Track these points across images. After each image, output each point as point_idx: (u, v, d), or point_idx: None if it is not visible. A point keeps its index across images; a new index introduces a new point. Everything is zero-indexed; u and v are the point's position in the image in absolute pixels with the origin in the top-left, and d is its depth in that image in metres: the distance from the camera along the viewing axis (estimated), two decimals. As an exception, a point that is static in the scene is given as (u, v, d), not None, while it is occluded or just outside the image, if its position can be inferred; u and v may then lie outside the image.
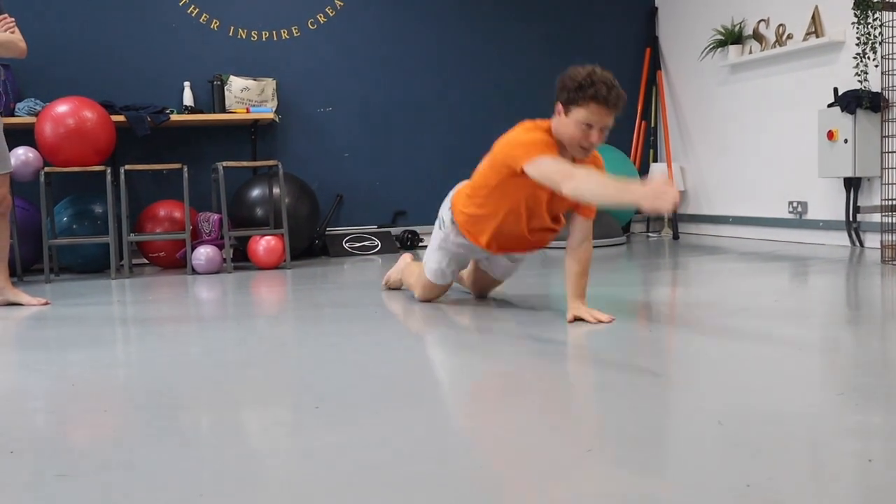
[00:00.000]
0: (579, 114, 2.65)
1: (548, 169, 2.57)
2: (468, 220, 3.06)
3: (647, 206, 2.18)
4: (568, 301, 2.87)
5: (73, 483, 1.42)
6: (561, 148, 2.77)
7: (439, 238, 3.23)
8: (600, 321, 2.75)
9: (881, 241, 4.25)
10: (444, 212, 3.21)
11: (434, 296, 3.38)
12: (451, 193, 3.22)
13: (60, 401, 2.00)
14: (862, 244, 4.92)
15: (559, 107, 2.72)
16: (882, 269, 3.92)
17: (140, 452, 1.57)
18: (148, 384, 2.14)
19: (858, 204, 4.89)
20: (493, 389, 1.97)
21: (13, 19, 3.56)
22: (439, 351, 2.46)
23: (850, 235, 4.94)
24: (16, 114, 5.01)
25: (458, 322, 2.93)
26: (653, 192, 2.16)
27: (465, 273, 3.54)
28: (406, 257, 3.77)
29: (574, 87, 2.65)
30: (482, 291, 3.48)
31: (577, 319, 2.80)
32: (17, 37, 3.53)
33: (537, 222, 3.00)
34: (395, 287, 3.78)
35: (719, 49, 5.95)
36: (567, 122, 2.69)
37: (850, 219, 4.90)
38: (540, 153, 2.63)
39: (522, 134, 2.78)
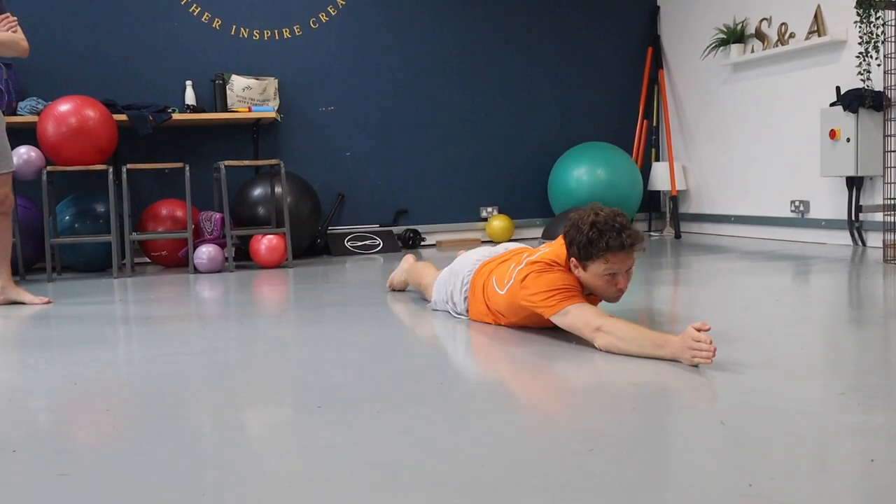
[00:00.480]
0: (598, 268, 2.44)
1: (576, 322, 2.40)
2: (480, 309, 2.87)
3: (685, 361, 2.13)
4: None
5: (75, 482, 1.42)
6: (586, 290, 2.55)
7: (443, 303, 3.08)
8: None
9: (883, 241, 4.25)
10: (458, 296, 2.99)
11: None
12: (468, 282, 2.96)
13: (62, 400, 2.01)
14: (864, 243, 4.92)
15: (574, 262, 2.49)
16: (884, 268, 3.92)
17: (142, 452, 1.57)
18: (150, 383, 2.14)
19: (860, 203, 4.88)
20: (494, 389, 1.97)
21: (15, 18, 3.56)
22: (441, 351, 2.46)
23: (852, 234, 4.94)
24: (18, 113, 5.01)
25: (461, 322, 2.92)
26: (688, 346, 2.10)
27: (426, 281, 3.51)
28: (409, 258, 3.73)
29: (584, 243, 2.42)
30: None
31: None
32: (19, 36, 3.53)
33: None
34: (400, 289, 3.76)
35: (721, 48, 5.94)
36: (588, 276, 2.48)
37: (853, 218, 4.89)
38: (566, 300, 2.43)
39: (544, 277, 2.51)
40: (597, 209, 2.47)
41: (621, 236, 2.39)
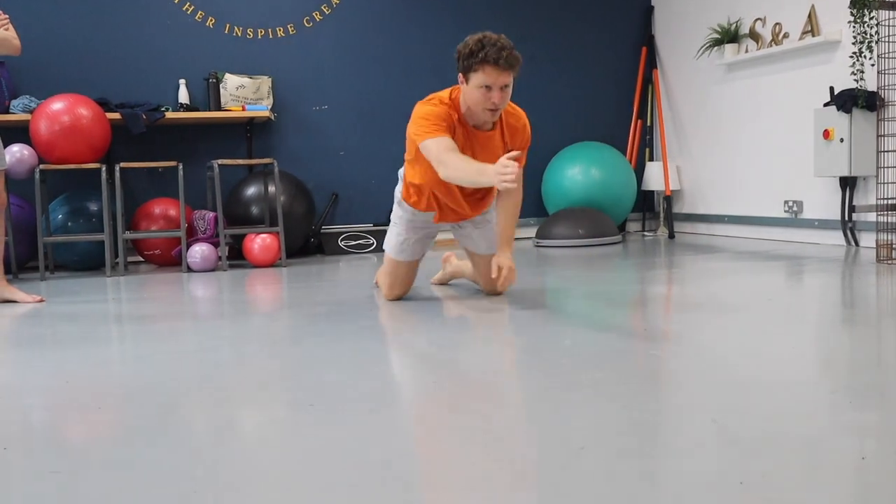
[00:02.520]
0: (477, 78, 2.84)
1: (429, 153, 2.87)
2: (408, 189, 3.22)
3: (496, 182, 2.61)
4: (498, 252, 3.12)
5: (67, 480, 1.42)
6: (469, 115, 2.98)
7: (395, 213, 3.35)
8: (509, 278, 3.05)
9: (876, 241, 4.26)
10: (397, 188, 3.36)
11: (398, 284, 3.35)
12: (402, 170, 3.34)
13: (55, 398, 2.00)
14: (857, 243, 4.93)
15: (460, 77, 2.91)
16: (877, 268, 3.93)
17: (134, 450, 1.57)
18: (142, 382, 2.13)
19: (854, 203, 4.89)
20: (487, 387, 1.97)
21: (7, 17, 3.55)
22: (435, 349, 2.45)
23: (845, 235, 4.95)
24: (10, 111, 5.00)
25: (455, 320, 2.92)
26: (498, 171, 2.59)
27: (471, 269, 3.54)
28: (451, 257, 3.81)
29: (467, 54, 2.83)
30: (490, 287, 3.43)
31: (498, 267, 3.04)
32: (11, 34, 3.52)
33: (467, 189, 3.14)
34: (444, 282, 3.83)
35: (715, 48, 5.95)
36: (468, 89, 2.88)
37: (846, 218, 4.90)
38: (428, 133, 2.87)
39: (420, 108, 2.98)
40: (488, 33, 2.87)
41: (500, 53, 2.78)
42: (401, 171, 3.35)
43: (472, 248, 3.44)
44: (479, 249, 3.40)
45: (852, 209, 4.87)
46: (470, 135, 3.03)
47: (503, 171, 2.58)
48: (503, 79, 2.84)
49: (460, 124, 3.00)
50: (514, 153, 2.66)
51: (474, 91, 2.87)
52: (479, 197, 3.24)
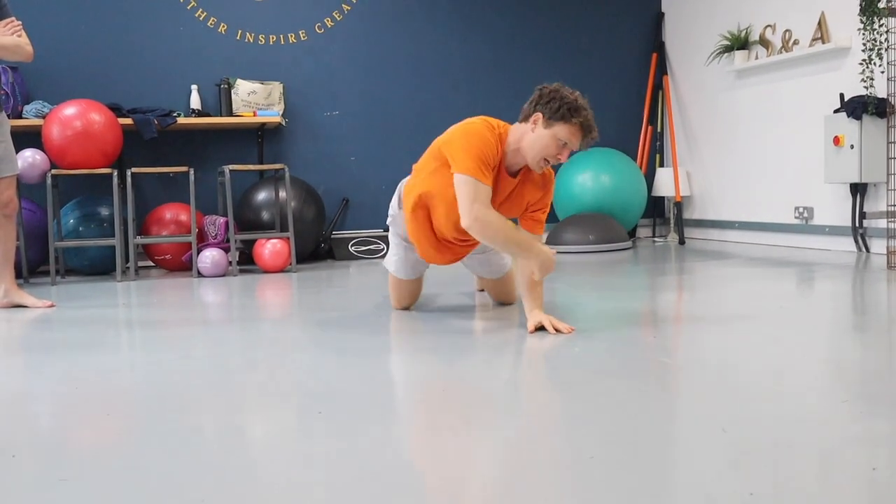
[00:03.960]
0: (562, 131, 2.71)
1: (465, 192, 2.68)
2: (406, 199, 3.03)
3: (536, 269, 2.74)
4: (526, 312, 2.82)
5: (75, 487, 1.43)
6: (512, 155, 2.82)
7: (391, 231, 3.28)
8: (559, 331, 2.69)
9: (887, 247, 4.24)
10: (394, 202, 3.21)
11: (405, 297, 3.32)
12: (400, 186, 3.18)
13: (64, 404, 2.01)
14: (868, 250, 4.91)
15: (539, 117, 2.74)
16: (888, 274, 3.91)
17: (142, 457, 1.58)
18: (151, 388, 2.14)
19: (864, 209, 4.87)
20: (496, 396, 1.97)
21: (20, 23, 3.57)
22: (443, 357, 2.46)
23: (856, 241, 4.93)
24: (24, 116, 5.03)
25: (463, 328, 2.92)
26: (543, 269, 2.75)
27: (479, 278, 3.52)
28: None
29: (567, 105, 2.71)
30: (499, 298, 3.42)
31: (539, 329, 2.74)
32: (24, 40, 3.54)
33: (455, 233, 2.95)
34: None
35: (725, 54, 5.94)
36: (544, 134, 2.73)
37: (857, 224, 4.89)
38: (476, 171, 2.69)
39: (473, 127, 2.78)
40: (583, 99, 2.77)
41: (592, 128, 2.76)
42: (400, 186, 3.19)
43: (476, 273, 3.42)
44: (483, 274, 3.40)
45: (863, 215, 4.85)
46: (500, 175, 2.86)
47: (551, 264, 2.77)
48: (579, 146, 2.79)
49: (499, 161, 2.84)
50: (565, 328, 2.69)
51: (548, 139, 2.72)
52: (458, 248, 3.07)
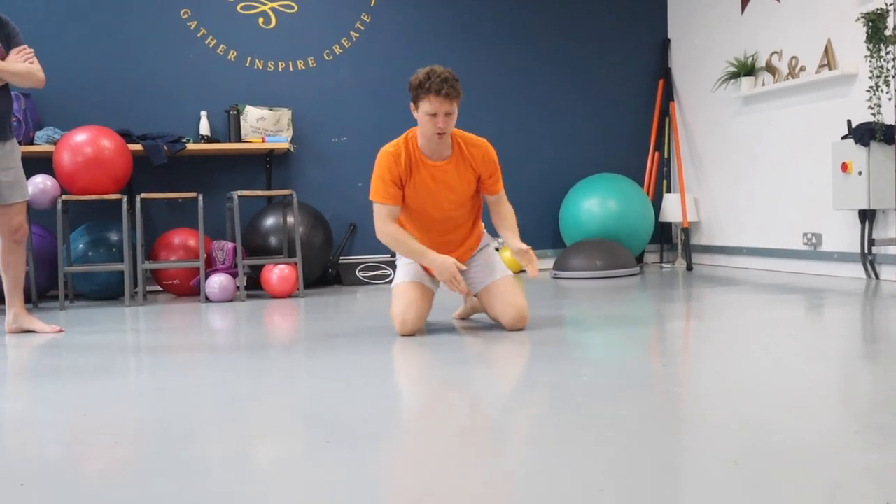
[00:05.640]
0: (424, 106, 3.17)
1: (375, 213, 3.33)
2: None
3: (443, 279, 3.28)
4: (511, 245, 3.34)
5: (84, 516, 1.42)
6: (426, 145, 3.29)
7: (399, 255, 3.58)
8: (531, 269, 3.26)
9: (897, 274, 4.22)
10: None
11: (411, 309, 3.33)
12: None
13: (72, 431, 2.01)
14: (877, 276, 4.89)
15: (412, 106, 3.24)
16: (898, 302, 3.89)
17: (150, 485, 1.57)
18: (159, 415, 2.14)
19: (873, 236, 4.86)
20: (504, 424, 1.96)
21: (32, 50, 3.61)
22: (452, 385, 2.45)
23: (865, 268, 4.91)
24: (35, 142, 5.07)
25: (472, 355, 2.92)
26: (447, 275, 3.26)
27: (488, 309, 3.51)
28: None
29: (416, 85, 3.17)
30: (509, 319, 3.37)
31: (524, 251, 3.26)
32: (35, 67, 3.58)
33: (438, 229, 3.43)
34: (467, 316, 3.83)
35: (732, 81, 5.96)
36: (419, 115, 3.22)
37: (865, 251, 4.87)
38: (378, 195, 3.30)
39: (378, 163, 3.35)
40: (435, 67, 3.19)
41: (443, 85, 3.12)
42: None
43: (485, 283, 3.43)
44: (491, 277, 3.42)
45: (872, 242, 4.84)
46: (428, 167, 3.31)
47: (452, 283, 3.26)
48: (446, 107, 3.16)
49: (417, 160, 3.31)
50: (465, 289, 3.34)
51: (423, 117, 3.21)
52: (450, 240, 3.46)
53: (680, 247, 6.47)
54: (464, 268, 3.30)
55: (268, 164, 5.86)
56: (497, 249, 3.61)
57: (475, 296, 3.54)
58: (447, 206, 3.36)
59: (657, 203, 6.70)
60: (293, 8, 5.94)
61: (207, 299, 4.90)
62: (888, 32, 4.40)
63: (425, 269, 3.43)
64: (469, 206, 3.43)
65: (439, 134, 3.21)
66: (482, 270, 3.46)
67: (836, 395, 2.16)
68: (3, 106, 3.59)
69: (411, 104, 3.25)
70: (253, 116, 5.59)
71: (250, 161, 5.88)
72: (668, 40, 6.79)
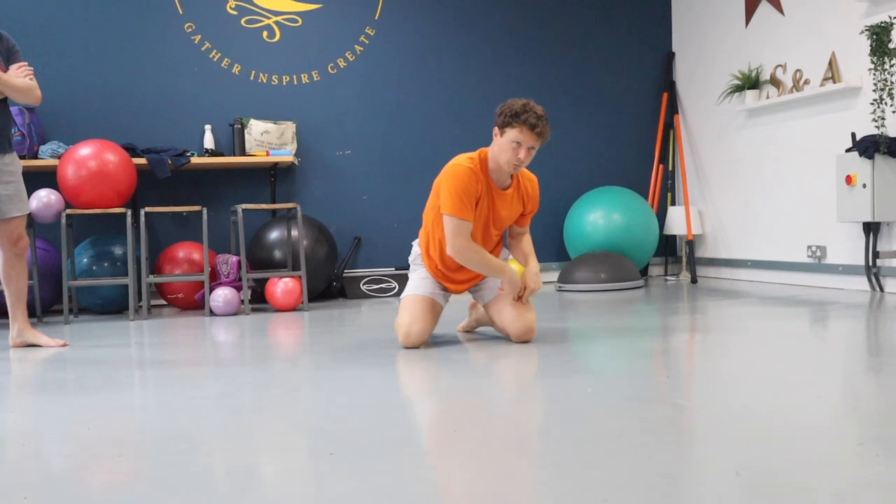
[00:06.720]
0: (512, 134, 3.17)
1: (449, 228, 3.25)
2: (426, 247, 3.48)
3: (506, 285, 3.34)
4: (529, 267, 3.44)
5: (86, 530, 1.42)
6: (496, 172, 3.28)
7: (412, 270, 3.60)
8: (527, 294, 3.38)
9: (902, 287, 4.21)
10: (412, 253, 3.61)
11: (416, 320, 3.33)
12: (415, 243, 3.60)
13: (76, 445, 2.01)
14: (882, 289, 4.88)
15: (496, 130, 3.24)
16: (903, 314, 3.88)
17: (154, 498, 1.57)
18: (163, 428, 2.14)
19: (878, 249, 4.85)
20: (508, 437, 1.95)
21: (31, 68, 3.64)
22: (457, 397, 2.44)
23: (869, 280, 4.90)
24: (39, 156, 5.08)
25: (477, 368, 2.91)
26: (512, 287, 3.34)
27: (496, 320, 3.50)
28: (477, 304, 3.82)
29: (510, 112, 3.18)
30: (517, 333, 3.38)
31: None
32: (34, 84, 3.61)
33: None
34: (471, 329, 3.84)
35: (736, 94, 5.97)
36: (501, 141, 3.21)
37: (870, 263, 4.86)
38: (457, 210, 3.22)
39: (454, 170, 3.25)
40: (531, 101, 3.22)
41: (538, 121, 3.16)
42: (415, 243, 3.59)
43: (496, 294, 3.45)
44: (485, 300, 3.52)
45: (876, 255, 4.83)
46: (493, 192, 3.32)
47: (517, 294, 3.36)
48: (532, 141, 3.18)
49: (485, 184, 3.30)
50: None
51: (506, 144, 3.19)
52: (467, 276, 3.48)
53: (684, 259, 6.46)
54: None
55: (272, 178, 5.88)
56: (506, 260, 3.63)
57: (484, 306, 3.54)
58: (492, 231, 3.42)
59: (661, 216, 6.70)
60: (297, 22, 5.97)
61: (212, 313, 4.90)
62: (892, 45, 4.40)
63: (442, 282, 3.48)
64: (502, 233, 3.55)
65: (516, 165, 3.23)
66: (493, 282, 3.49)
67: (840, 408, 2.16)
68: (3, 120, 3.61)
69: (496, 128, 3.24)
70: (257, 130, 5.61)
71: (254, 174, 5.89)
72: (673, 53, 6.81)
